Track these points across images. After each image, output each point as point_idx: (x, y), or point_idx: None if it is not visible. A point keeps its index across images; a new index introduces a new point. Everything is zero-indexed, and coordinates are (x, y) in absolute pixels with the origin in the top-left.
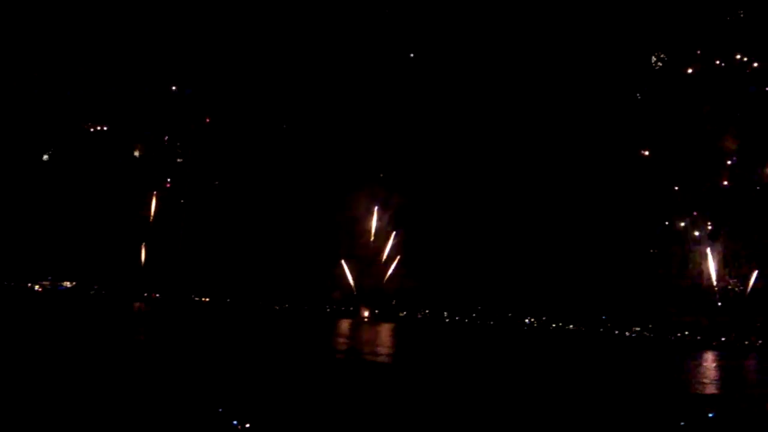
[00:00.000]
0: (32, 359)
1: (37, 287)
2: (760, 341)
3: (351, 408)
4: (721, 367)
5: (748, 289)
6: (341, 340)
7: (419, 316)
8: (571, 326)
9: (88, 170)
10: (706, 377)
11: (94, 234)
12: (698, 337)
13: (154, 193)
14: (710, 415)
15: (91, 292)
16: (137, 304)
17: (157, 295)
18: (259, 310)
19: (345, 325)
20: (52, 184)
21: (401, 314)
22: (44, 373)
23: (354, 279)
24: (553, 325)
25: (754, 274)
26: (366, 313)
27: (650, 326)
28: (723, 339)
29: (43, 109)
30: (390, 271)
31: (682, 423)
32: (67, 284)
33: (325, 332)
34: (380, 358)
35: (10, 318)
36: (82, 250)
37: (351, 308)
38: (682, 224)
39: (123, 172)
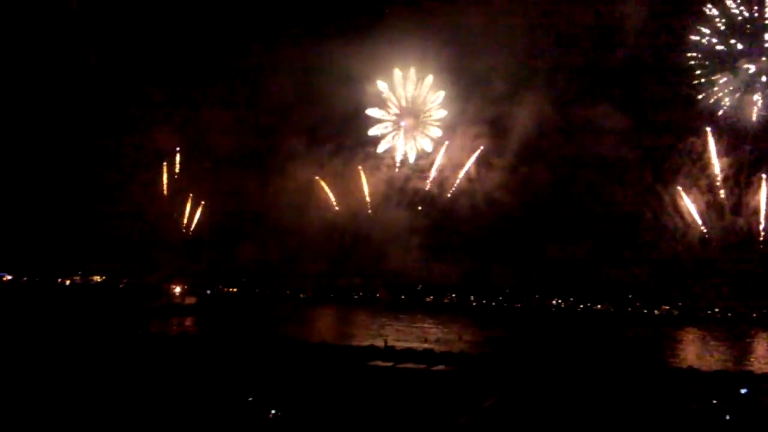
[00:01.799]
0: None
1: None
2: None
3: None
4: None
5: None
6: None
7: (446, 300)
8: (599, 306)
9: None
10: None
11: None
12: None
13: None
14: (743, 391)
15: None
16: None
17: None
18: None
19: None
20: None
21: (427, 299)
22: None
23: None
24: (581, 306)
25: None
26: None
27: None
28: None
29: None
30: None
31: (714, 401)
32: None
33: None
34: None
35: None
36: None
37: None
38: None
39: None
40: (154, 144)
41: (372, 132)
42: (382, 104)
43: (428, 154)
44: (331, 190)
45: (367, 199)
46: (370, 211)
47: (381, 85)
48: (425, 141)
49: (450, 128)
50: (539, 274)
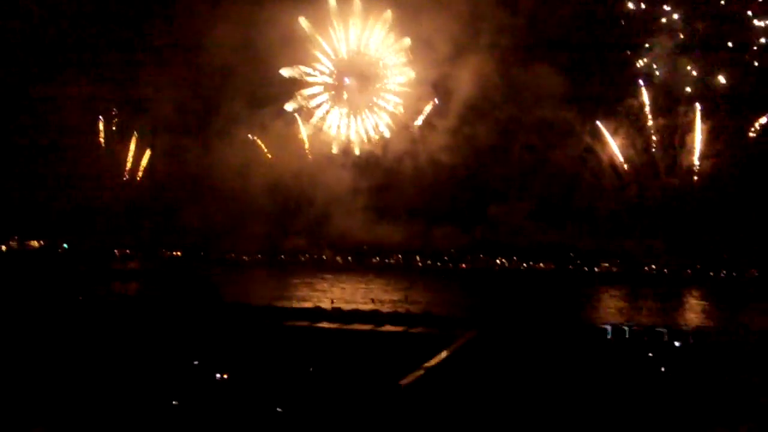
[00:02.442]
0: None
1: None
2: None
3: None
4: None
5: None
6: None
7: (391, 261)
8: (541, 265)
9: None
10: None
11: None
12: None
13: None
14: (676, 344)
15: None
16: None
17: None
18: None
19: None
20: None
21: (373, 260)
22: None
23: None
24: (524, 265)
25: None
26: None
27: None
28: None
29: None
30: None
31: (650, 354)
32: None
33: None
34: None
35: None
36: None
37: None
38: None
39: None
40: (88, 99)
41: (289, 107)
42: (308, 57)
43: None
44: (273, 153)
45: (308, 155)
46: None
47: (303, 23)
48: (380, 118)
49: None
50: (482, 234)
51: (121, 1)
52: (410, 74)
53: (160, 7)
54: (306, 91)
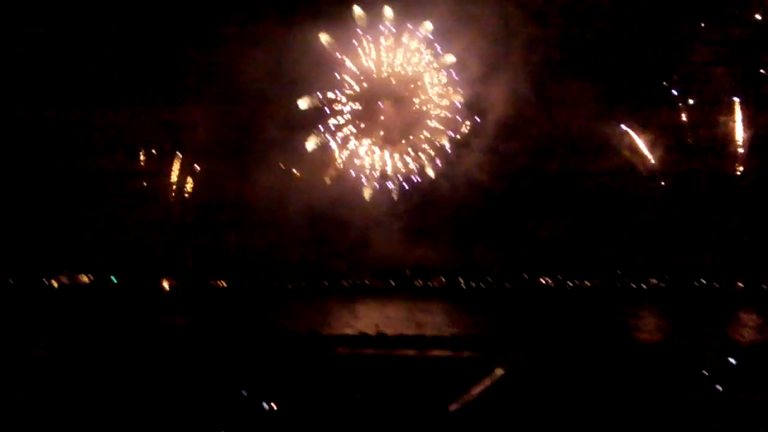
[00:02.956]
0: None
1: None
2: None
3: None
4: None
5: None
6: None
7: (435, 285)
8: (587, 282)
9: None
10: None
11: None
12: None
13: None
14: (732, 361)
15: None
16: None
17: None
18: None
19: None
20: None
21: (416, 283)
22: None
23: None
24: (570, 284)
25: None
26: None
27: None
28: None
29: None
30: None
31: (705, 372)
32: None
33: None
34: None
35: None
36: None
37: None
38: None
39: None
40: (128, 137)
41: (309, 145)
42: (331, 82)
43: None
44: (309, 177)
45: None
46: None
47: (324, 39)
48: (424, 154)
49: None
50: (524, 252)
51: (158, 31)
52: (456, 97)
53: (196, 36)
54: (332, 121)
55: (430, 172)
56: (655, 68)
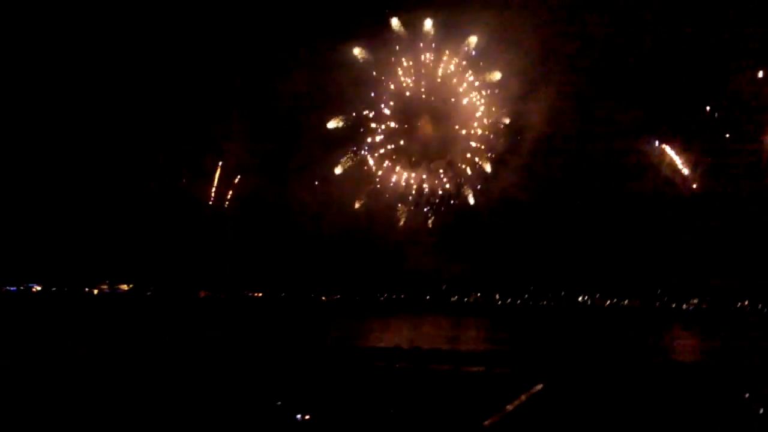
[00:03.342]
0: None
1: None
2: None
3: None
4: None
5: None
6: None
7: (470, 300)
8: (626, 302)
9: None
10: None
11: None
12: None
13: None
14: None
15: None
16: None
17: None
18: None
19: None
20: None
21: (452, 299)
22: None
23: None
24: (608, 302)
25: None
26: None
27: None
28: None
29: None
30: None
31: (747, 394)
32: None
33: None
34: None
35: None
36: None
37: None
38: None
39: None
40: (172, 151)
41: (338, 170)
42: (368, 99)
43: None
44: (348, 192)
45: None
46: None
47: (358, 53)
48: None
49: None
50: (564, 270)
51: (203, 49)
52: (500, 116)
53: (239, 54)
54: (369, 139)
55: (470, 197)
56: (697, 88)
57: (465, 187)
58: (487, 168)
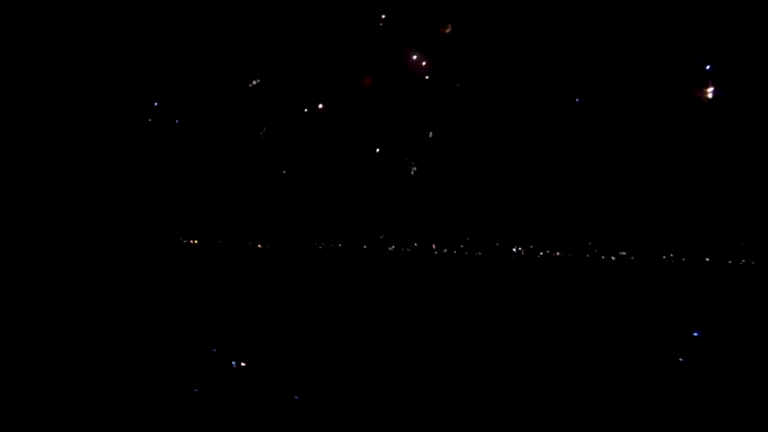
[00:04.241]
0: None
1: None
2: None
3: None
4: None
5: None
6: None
7: (407, 249)
8: (557, 253)
9: None
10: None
11: None
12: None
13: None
14: (695, 334)
15: None
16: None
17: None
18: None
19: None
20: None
21: (389, 248)
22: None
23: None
24: (541, 253)
25: None
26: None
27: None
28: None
29: None
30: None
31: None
32: None
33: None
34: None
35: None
36: None
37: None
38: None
39: None
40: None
41: None
42: None
43: None
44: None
45: None
46: None
47: None
48: None
49: None
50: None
51: None
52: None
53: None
54: None
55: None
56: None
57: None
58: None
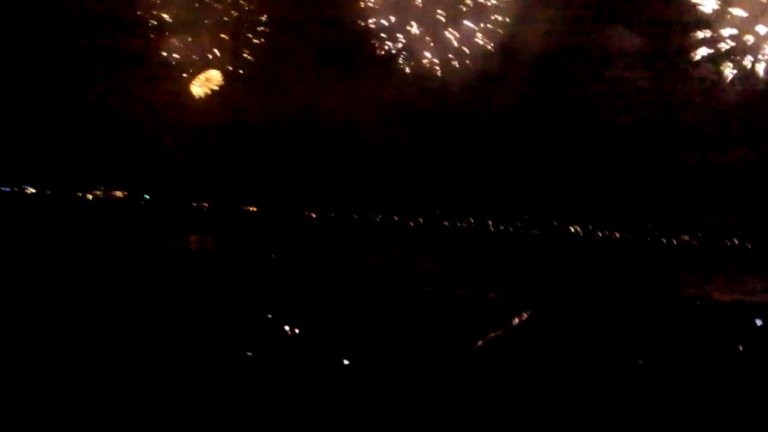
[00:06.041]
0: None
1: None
2: None
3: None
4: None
5: None
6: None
7: (463, 224)
8: (617, 234)
9: None
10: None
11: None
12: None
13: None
14: (758, 322)
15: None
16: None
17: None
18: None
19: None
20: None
21: (445, 223)
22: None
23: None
24: (600, 234)
25: None
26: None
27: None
28: None
29: None
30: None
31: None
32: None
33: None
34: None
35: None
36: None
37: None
38: None
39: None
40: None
41: None
42: None
43: None
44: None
45: None
46: None
47: None
48: None
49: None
50: (554, 199)
51: None
52: None
53: None
54: None
55: None
56: None
57: None
58: None
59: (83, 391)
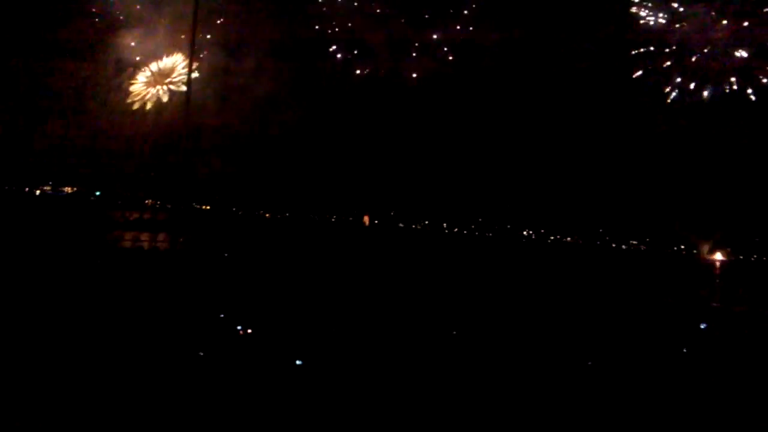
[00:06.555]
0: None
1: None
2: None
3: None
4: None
5: None
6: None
7: (417, 227)
8: (568, 239)
9: None
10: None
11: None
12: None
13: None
14: (702, 326)
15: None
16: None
17: (158, 202)
18: (259, 218)
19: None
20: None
21: (400, 225)
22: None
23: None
24: (551, 238)
25: None
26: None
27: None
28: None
29: None
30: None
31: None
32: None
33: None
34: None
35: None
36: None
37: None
38: None
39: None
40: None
41: None
42: None
43: None
44: None
45: None
46: None
47: None
48: None
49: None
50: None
51: None
52: None
53: None
54: None
55: None
56: None
57: None
58: None
59: (23, 387)
